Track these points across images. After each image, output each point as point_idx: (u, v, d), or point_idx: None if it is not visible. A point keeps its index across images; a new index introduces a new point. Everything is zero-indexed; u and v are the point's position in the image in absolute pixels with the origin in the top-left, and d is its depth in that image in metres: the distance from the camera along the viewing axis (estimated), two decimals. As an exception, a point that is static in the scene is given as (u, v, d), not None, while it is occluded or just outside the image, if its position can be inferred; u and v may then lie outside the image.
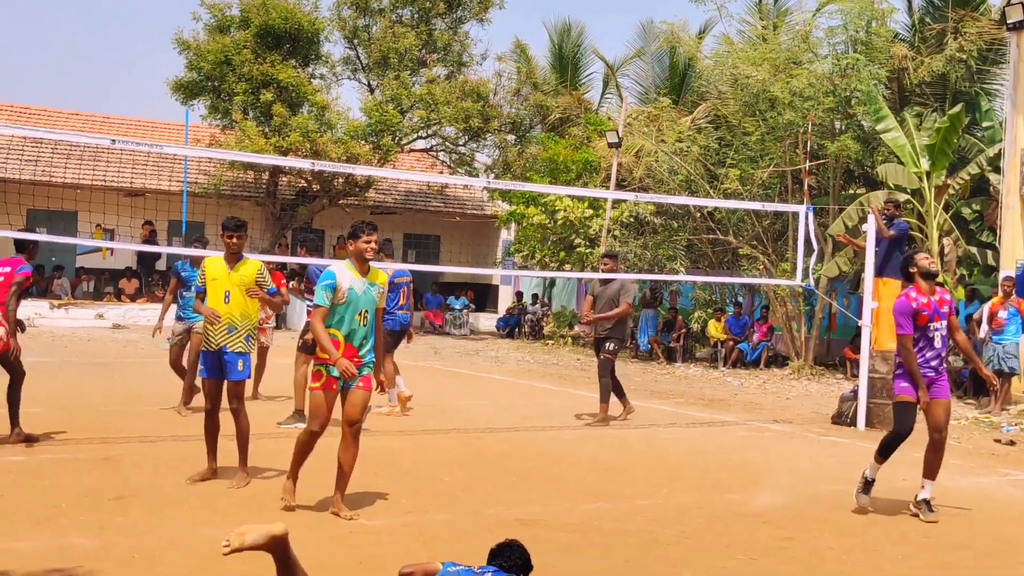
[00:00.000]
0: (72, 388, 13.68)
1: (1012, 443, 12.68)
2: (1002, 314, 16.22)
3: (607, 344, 12.97)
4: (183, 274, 11.85)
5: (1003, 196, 18.29)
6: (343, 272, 7.47)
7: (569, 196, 24.51)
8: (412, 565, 5.17)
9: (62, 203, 24.30)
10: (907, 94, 22.19)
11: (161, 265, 28.43)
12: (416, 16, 28.78)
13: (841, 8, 21.22)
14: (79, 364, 16.87)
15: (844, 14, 21.13)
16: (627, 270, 23.34)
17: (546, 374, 19.36)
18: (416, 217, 32.76)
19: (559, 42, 34.01)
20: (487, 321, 31.80)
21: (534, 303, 30.30)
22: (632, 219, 24.20)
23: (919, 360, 8.24)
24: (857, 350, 14.82)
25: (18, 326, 9.67)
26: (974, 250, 20.52)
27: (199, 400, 11.09)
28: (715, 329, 23.28)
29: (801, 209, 14.44)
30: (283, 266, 14.62)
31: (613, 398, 13.04)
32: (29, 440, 9.61)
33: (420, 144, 30.84)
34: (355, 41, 29.43)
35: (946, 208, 20.17)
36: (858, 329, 14.73)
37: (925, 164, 19.60)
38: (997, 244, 18.92)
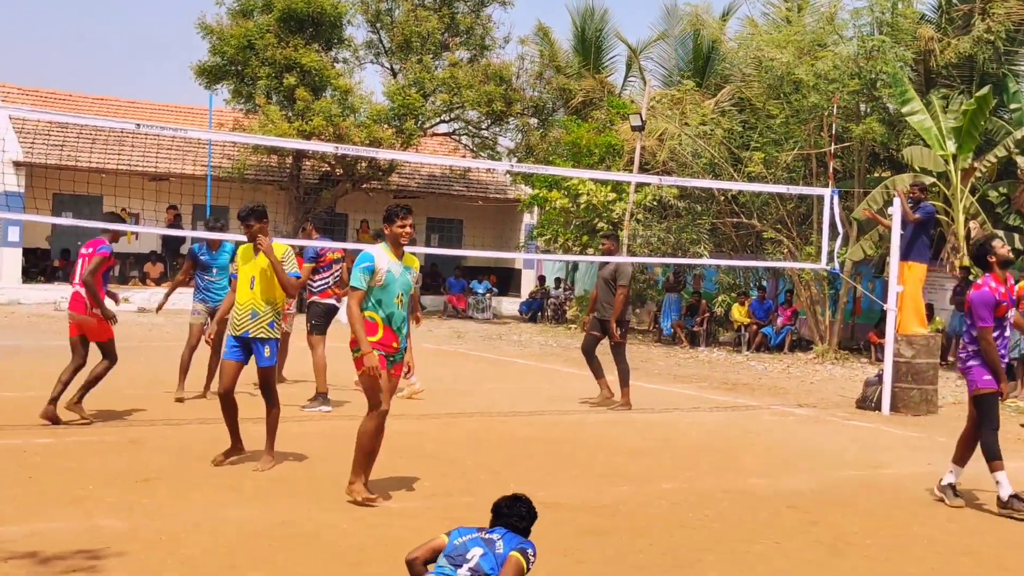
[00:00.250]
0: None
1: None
2: (1029, 298, 16.08)
3: (616, 330, 12.78)
4: (202, 257, 11.86)
5: (1030, 179, 18.12)
6: (381, 255, 7.40)
7: (592, 180, 24.42)
8: (416, 548, 5.10)
9: (88, 187, 24.42)
10: (933, 76, 21.98)
11: (185, 249, 28.56)
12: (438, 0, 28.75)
13: (867, -11, 21.05)
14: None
15: (869, -5, 20.97)
16: (650, 254, 23.31)
17: (569, 358, 19.34)
18: (439, 201, 32.76)
19: (582, 25, 33.82)
20: (510, 305, 31.79)
21: (557, 287, 30.27)
22: (655, 203, 24.11)
23: None
24: (882, 334, 14.73)
25: (109, 302, 10.08)
26: (1001, 234, 20.32)
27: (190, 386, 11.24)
28: (739, 313, 23.19)
29: (826, 192, 14.34)
30: (302, 250, 14.62)
31: (611, 381, 12.93)
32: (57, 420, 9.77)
33: (443, 128, 30.83)
34: (378, 25, 29.42)
35: (972, 191, 20.00)
36: (883, 313, 14.64)
37: (951, 147, 19.44)
38: (1024, 227, 18.79)
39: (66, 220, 23.95)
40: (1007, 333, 8.19)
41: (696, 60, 29.87)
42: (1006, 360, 8.21)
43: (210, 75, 27.77)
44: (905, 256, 13.51)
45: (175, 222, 28.46)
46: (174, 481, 7.75)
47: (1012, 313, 8.15)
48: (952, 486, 8.18)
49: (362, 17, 29.20)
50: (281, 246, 8.53)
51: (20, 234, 27.41)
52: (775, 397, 14.80)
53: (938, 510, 7.98)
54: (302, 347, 12.69)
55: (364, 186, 29.63)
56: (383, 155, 25.77)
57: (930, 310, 18.50)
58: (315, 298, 12.02)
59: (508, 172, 31.12)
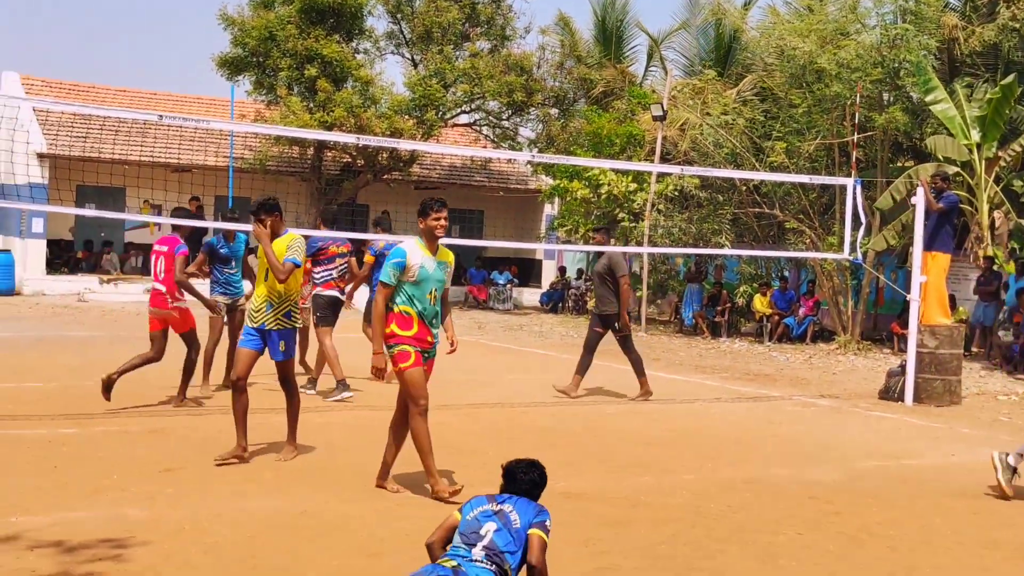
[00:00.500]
0: (122, 362, 13.81)
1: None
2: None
3: (617, 324, 12.73)
4: (222, 251, 11.86)
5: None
6: (414, 250, 7.30)
7: (613, 170, 24.37)
8: (433, 532, 5.04)
9: (111, 178, 24.55)
10: (957, 64, 21.81)
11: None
12: (459, -10, 28.74)
13: (890, -22, 20.90)
14: (129, 338, 17.05)
15: (893, -17, 20.81)
16: (672, 244, 23.25)
17: (590, 348, 19.33)
18: (460, 192, 32.77)
19: (603, 15, 33.74)
20: (531, 296, 31.80)
21: (578, 278, 30.25)
22: (677, 193, 24.05)
23: None
24: (905, 325, 14.65)
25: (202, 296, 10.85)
26: (1024, 223, 20.21)
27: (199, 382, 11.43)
28: (760, 303, 23.11)
29: (849, 182, 14.25)
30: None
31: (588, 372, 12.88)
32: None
33: (464, 118, 30.84)
34: (398, 15, 29.45)
35: (997, 181, 19.83)
36: (906, 303, 14.56)
37: (975, 136, 19.28)
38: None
39: (90, 211, 24.14)
40: None
41: (718, 49, 29.76)
42: None
43: (232, 66, 27.86)
44: (928, 246, 13.42)
45: (197, 213, 28.55)
46: (197, 471, 7.79)
47: None
48: (1015, 469, 8.04)
49: (383, 8, 29.25)
50: (292, 235, 8.53)
51: (44, 225, 27.59)
52: (797, 388, 14.75)
53: (961, 502, 7.93)
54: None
55: (385, 177, 29.68)
56: (404, 146, 25.79)
57: (953, 300, 18.38)
58: (318, 290, 12.13)
59: (529, 162, 31.08)
